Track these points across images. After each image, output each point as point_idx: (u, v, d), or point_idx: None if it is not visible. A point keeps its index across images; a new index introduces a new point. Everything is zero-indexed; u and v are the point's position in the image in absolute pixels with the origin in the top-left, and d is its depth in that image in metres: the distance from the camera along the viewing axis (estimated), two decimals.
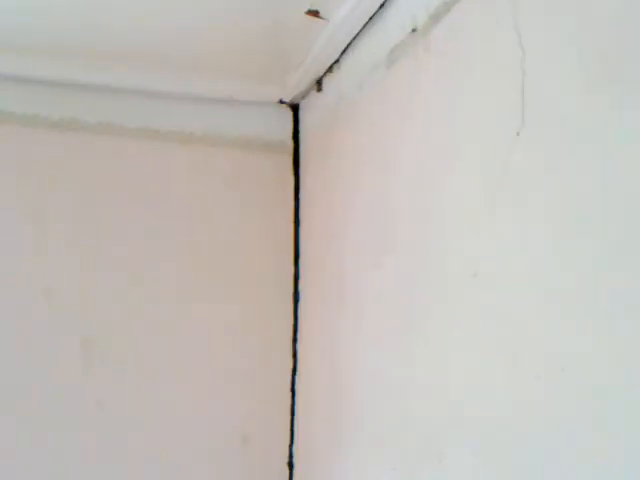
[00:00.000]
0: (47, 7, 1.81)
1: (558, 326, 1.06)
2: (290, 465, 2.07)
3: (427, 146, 1.45)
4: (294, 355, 2.10)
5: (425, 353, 1.40)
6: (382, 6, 1.66)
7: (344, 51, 1.89)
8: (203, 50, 1.99)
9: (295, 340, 2.12)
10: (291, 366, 2.11)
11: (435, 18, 1.44)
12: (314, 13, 1.79)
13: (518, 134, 1.17)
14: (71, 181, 2.03)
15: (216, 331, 2.07)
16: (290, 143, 2.25)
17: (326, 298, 1.92)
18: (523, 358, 1.12)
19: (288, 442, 2.08)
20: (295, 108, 2.26)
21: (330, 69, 1.97)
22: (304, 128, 2.22)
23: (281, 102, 2.23)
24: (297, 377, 2.11)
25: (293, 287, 2.15)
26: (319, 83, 2.06)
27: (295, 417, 2.08)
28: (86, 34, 1.90)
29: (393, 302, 1.56)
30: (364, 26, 1.75)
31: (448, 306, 1.33)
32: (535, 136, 1.14)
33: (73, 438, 1.93)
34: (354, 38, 1.81)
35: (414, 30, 1.52)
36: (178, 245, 2.07)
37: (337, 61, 1.94)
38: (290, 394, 2.09)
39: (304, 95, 2.17)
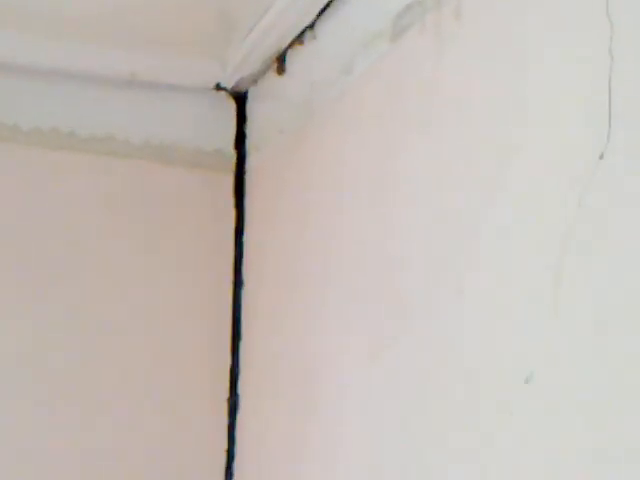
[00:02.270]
0: None
1: None
2: None
3: (454, 169, 1.41)
4: None
5: None
6: None
7: (321, 12, 1.80)
8: (94, 6, 1.91)
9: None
10: None
11: None
12: None
13: (601, 157, 1.13)
14: None
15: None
16: (231, 154, 2.10)
17: (280, 403, 1.87)
18: None
19: None
20: (241, 99, 2.13)
21: (299, 39, 1.87)
22: (254, 131, 2.13)
23: (218, 88, 2.08)
24: None
25: (229, 391, 2.02)
26: (280, 61, 1.95)
27: None
28: None
29: (394, 418, 1.51)
30: None
31: (484, 429, 1.29)
32: (627, 161, 1.11)
33: None
34: None
35: None
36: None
37: (311, 27, 1.83)
38: None
39: (255, 78, 2.06)
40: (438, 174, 1.49)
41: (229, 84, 2.11)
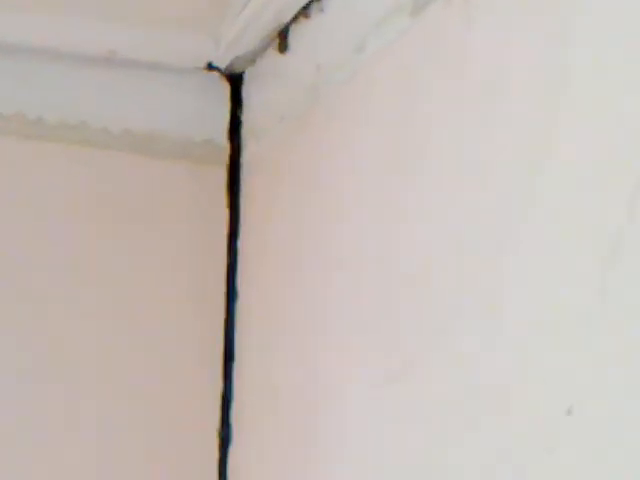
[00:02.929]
0: None
1: None
2: None
3: (487, 161, 1.31)
4: None
5: None
6: None
7: None
8: None
9: None
10: None
11: None
12: None
13: None
14: None
15: None
16: (224, 145, 1.97)
17: (278, 436, 1.78)
18: None
19: None
20: (236, 80, 1.97)
21: (304, 12, 1.77)
22: (251, 117, 1.98)
23: (210, 68, 1.94)
24: None
25: (220, 421, 1.92)
26: (283, 37, 1.83)
27: None
28: None
29: (409, 456, 1.42)
30: None
31: (519, 468, 1.22)
32: None
33: None
34: None
35: None
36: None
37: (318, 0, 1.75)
38: None
39: (253, 57, 1.92)
40: (468, 169, 1.37)
41: (222, 63, 1.98)
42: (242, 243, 2.02)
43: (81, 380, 1.95)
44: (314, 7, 1.77)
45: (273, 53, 1.89)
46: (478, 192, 1.37)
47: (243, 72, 2.00)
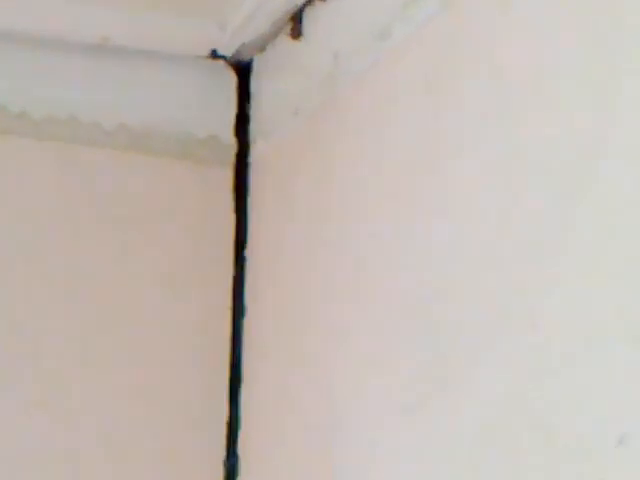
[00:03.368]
0: None
1: None
2: None
3: (529, 163, 1.26)
4: None
5: None
6: None
7: None
8: None
9: None
10: None
11: None
12: None
13: None
14: None
15: None
16: (230, 142, 1.94)
17: (290, 468, 1.73)
18: None
19: None
20: (243, 70, 1.95)
21: None
22: (260, 112, 1.95)
23: (215, 56, 1.90)
24: None
25: (226, 450, 1.86)
26: (296, 21, 1.79)
27: None
28: None
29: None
30: None
31: None
32: None
33: None
34: None
35: None
36: None
37: None
38: None
39: (263, 44, 1.88)
40: (507, 171, 1.30)
41: (229, 51, 1.94)
42: (250, 253, 1.97)
43: (82, 406, 1.88)
44: None
45: (285, 39, 1.84)
46: (513, 196, 1.28)
47: (251, 61, 1.94)
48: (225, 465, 1.95)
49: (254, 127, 1.95)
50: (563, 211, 1.20)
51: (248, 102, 1.97)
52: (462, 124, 1.40)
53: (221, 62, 1.93)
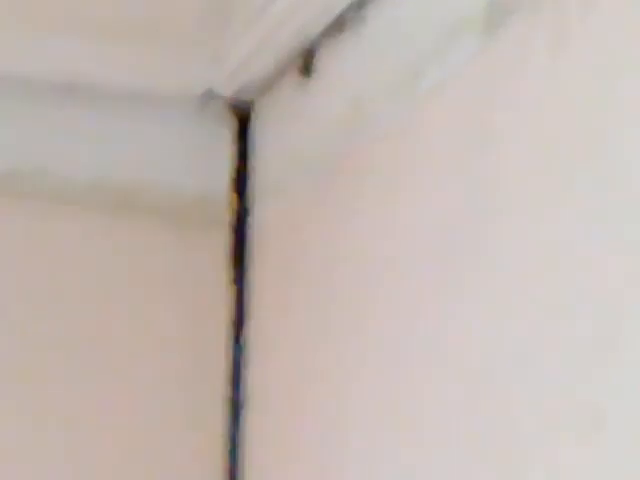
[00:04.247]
0: None
1: None
2: None
3: (582, 222, 1.10)
4: None
5: None
6: None
7: None
8: None
9: None
10: None
11: None
12: None
13: None
14: None
15: None
16: (227, 202, 1.81)
17: None
18: None
19: None
20: (243, 115, 1.82)
21: (338, 25, 1.59)
22: (263, 165, 1.81)
23: (210, 96, 1.76)
24: None
25: None
26: (308, 58, 1.65)
27: None
28: None
29: None
30: None
31: None
32: None
33: None
34: None
35: None
36: None
37: (358, 6, 1.55)
38: None
39: (267, 84, 1.74)
40: (553, 240, 1.13)
41: (226, 91, 1.80)
42: (250, 332, 1.83)
43: (80, 443, 1.73)
44: (352, 19, 1.59)
45: (294, 78, 1.71)
46: (563, 298, 1.08)
47: (253, 103, 1.82)
48: None
49: (255, 184, 1.83)
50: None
51: (248, 153, 1.85)
52: (508, 190, 1.26)
53: (217, 104, 1.80)
